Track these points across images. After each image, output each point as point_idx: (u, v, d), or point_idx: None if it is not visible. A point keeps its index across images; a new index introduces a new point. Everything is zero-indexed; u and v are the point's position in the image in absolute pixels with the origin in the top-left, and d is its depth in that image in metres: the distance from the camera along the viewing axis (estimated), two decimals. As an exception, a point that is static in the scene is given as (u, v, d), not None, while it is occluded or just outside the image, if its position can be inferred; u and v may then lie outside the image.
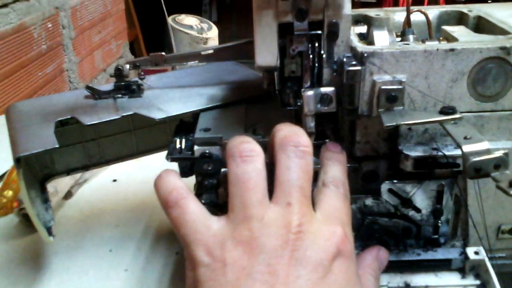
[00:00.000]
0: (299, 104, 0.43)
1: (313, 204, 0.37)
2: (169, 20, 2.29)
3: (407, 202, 0.46)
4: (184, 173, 0.47)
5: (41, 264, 0.60)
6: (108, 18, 1.70)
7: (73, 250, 0.63)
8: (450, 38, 0.46)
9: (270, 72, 0.45)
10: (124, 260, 0.61)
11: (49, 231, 0.51)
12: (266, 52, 0.42)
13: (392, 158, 0.45)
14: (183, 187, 0.39)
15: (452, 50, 0.40)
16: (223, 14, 3.64)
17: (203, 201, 0.42)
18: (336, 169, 0.40)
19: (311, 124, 0.43)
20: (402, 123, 0.39)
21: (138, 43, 2.65)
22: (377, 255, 0.42)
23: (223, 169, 0.43)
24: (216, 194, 0.42)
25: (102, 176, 0.80)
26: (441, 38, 0.47)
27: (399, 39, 0.48)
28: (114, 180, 0.79)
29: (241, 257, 0.33)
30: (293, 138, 0.37)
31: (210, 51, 0.57)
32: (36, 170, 0.59)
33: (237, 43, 0.56)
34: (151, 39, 2.64)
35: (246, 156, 0.37)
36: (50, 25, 1.23)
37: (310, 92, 0.42)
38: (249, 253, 0.33)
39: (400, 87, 0.40)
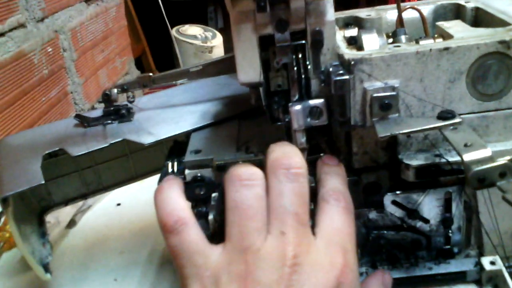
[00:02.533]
0: (287, 119, 0.40)
1: (313, 224, 0.35)
2: (173, 31, 2.28)
3: (414, 213, 0.43)
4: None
5: (45, 298, 0.59)
6: (110, 36, 1.70)
7: (78, 281, 0.61)
8: (445, 35, 0.43)
9: (255, 87, 0.43)
10: (129, 289, 0.59)
11: (46, 268, 0.50)
12: (248, 68, 0.40)
13: (393, 168, 0.42)
14: (184, 209, 0.36)
15: (446, 49, 0.38)
16: (229, 21, 3.62)
17: None
18: (335, 181, 0.38)
19: (302, 139, 0.40)
20: (397, 132, 0.36)
21: (146, 57, 2.66)
22: (382, 281, 0.39)
23: (213, 194, 0.41)
24: (207, 223, 0.40)
25: (106, 201, 0.78)
26: (436, 36, 0.44)
27: (391, 40, 0.45)
28: (118, 204, 0.78)
29: None
30: (284, 161, 0.35)
31: (199, 67, 0.55)
32: (33, 204, 0.58)
33: (225, 57, 0.54)
34: (158, 52, 2.64)
35: (246, 180, 0.35)
36: (50, 49, 1.23)
37: (298, 107, 0.39)
38: None
39: (393, 93, 0.38)
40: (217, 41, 2.25)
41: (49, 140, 0.53)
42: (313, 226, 0.35)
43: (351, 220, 0.36)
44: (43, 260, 0.50)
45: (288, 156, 0.35)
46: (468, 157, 0.32)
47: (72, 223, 0.72)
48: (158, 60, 2.52)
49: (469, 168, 0.31)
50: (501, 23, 0.42)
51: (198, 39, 2.21)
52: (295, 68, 0.40)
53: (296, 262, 0.31)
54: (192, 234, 0.35)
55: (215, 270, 0.32)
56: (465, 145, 0.33)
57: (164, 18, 2.33)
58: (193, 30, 2.28)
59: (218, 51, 2.24)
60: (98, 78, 1.56)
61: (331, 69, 0.38)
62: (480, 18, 0.47)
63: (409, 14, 0.50)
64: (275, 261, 0.31)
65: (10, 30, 1.05)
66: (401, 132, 0.36)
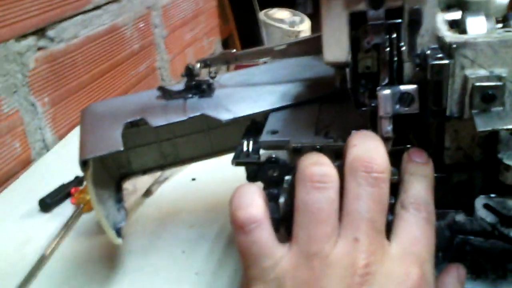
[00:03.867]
0: (373, 104, 0.37)
1: (389, 232, 0.32)
2: (261, 14, 2.28)
3: (508, 220, 0.38)
4: (251, 178, 0.44)
5: (116, 262, 0.61)
6: (200, 16, 1.73)
7: (147, 249, 0.63)
8: None
9: (342, 68, 0.40)
10: (195, 263, 0.60)
11: (118, 232, 0.51)
12: (335, 46, 0.37)
13: (489, 168, 0.38)
14: (259, 206, 0.34)
15: None
16: (318, 6, 3.56)
17: None
18: (419, 186, 0.34)
19: (388, 128, 0.37)
20: (500, 128, 0.32)
21: (233, 39, 2.68)
22: (458, 276, 0.35)
23: (286, 177, 0.39)
24: (278, 206, 0.38)
25: (182, 175, 0.79)
26: (555, 22, 0.38)
27: (500, 25, 0.40)
28: (193, 179, 0.79)
29: None
30: (365, 162, 0.32)
31: (283, 47, 0.53)
32: (113, 170, 0.60)
33: (311, 36, 0.51)
34: (245, 34, 2.65)
35: (318, 181, 0.32)
36: (142, 25, 1.27)
37: (387, 91, 0.36)
38: None
39: (499, 83, 0.33)
40: (305, 26, 2.21)
41: (131, 110, 0.54)
42: (387, 234, 0.32)
43: (431, 231, 0.33)
44: (117, 225, 0.51)
45: (370, 156, 0.33)
46: None
47: (148, 193, 0.74)
48: (245, 43, 2.54)
49: None
50: None
51: (285, 23, 2.18)
52: (387, 49, 0.36)
53: (368, 272, 0.29)
54: (264, 235, 0.33)
55: (280, 273, 0.31)
56: None
57: (253, 0, 2.33)
58: (281, 13, 2.26)
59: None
60: (185, 56, 1.60)
61: (428, 52, 0.35)
62: None
63: (523, -2, 0.44)
64: (345, 269, 0.29)
65: (106, 3, 1.09)
66: (505, 128, 0.32)
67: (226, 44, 2.37)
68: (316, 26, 2.58)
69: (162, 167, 0.64)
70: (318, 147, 0.42)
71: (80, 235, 0.67)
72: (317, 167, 0.33)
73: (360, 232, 0.30)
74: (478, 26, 0.37)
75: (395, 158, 0.37)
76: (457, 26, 0.42)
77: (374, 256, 0.30)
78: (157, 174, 0.76)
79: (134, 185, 0.72)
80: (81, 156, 0.44)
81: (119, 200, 0.56)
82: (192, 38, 1.65)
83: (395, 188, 0.35)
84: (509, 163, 0.35)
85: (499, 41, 0.33)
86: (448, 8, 0.46)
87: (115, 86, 1.15)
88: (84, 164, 0.44)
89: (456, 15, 0.44)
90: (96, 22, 1.05)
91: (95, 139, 0.48)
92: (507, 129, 0.33)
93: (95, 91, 1.08)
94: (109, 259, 0.61)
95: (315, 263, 0.30)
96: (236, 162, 0.45)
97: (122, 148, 0.45)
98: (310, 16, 2.52)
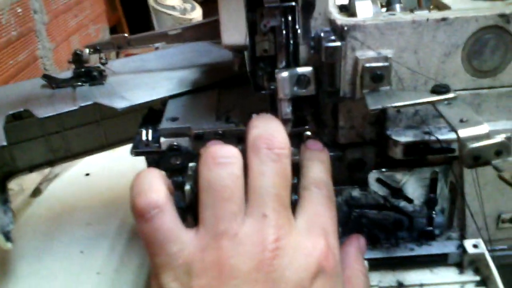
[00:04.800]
0: (272, 87, 0.38)
1: (294, 211, 0.33)
2: (151, 1, 2.21)
3: (398, 192, 0.41)
4: (152, 168, 0.42)
5: (7, 268, 0.56)
6: (84, 1, 1.63)
7: (41, 252, 0.58)
8: (441, 7, 0.40)
9: (240, 52, 0.40)
10: (96, 262, 0.56)
11: (7, 236, 0.47)
12: (233, 29, 0.37)
13: (380, 144, 0.40)
14: (159, 190, 0.32)
15: (444, 19, 0.35)
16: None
17: None
18: (317, 169, 0.36)
19: (287, 109, 0.38)
20: (389, 105, 0.34)
21: (122, 27, 2.57)
22: (359, 246, 0.37)
23: (191, 164, 0.38)
24: (183, 194, 0.37)
25: (74, 170, 0.74)
26: (431, 7, 0.42)
27: (384, 9, 0.43)
28: (87, 174, 0.74)
29: (210, 284, 0.28)
30: (267, 139, 0.32)
31: (178, 31, 0.52)
32: (-6, 169, 0.54)
33: (207, 21, 0.51)
34: (135, 22, 2.55)
35: (221, 157, 0.31)
36: (19, 10, 1.16)
37: (285, 74, 0.37)
38: (219, 279, 0.28)
39: (386, 64, 0.35)
40: (197, 14, 2.19)
41: (13, 100, 0.49)
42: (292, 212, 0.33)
43: (332, 209, 0.34)
44: (4, 228, 0.46)
45: (271, 134, 0.33)
46: (463, 133, 0.30)
47: (37, 192, 0.68)
48: (134, 31, 2.45)
49: (465, 144, 0.30)
50: (499, -3, 0.40)
51: (176, 10, 2.14)
52: (284, 32, 0.37)
53: (277, 246, 0.29)
54: (166, 220, 0.31)
55: (188, 258, 0.30)
56: (461, 121, 0.31)
57: (141, -13, 2.25)
58: (171, 0, 2.21)
59: (197, 24, 2.18)
60: (70, 44, 1.49)
61: (322, 35, 0.36)
62: (475, -7, 0.45)
63: (402, -15, 0.47)
64: (255, 246, 0.29)
65: (-24, -15, 0.98)
66: (393, 105, 0.34)
67: (114, 31, 2.26)
68: (207, 14, 2.56)
69: (51, 162, 0.60)
70: (220, 132, 0.42)
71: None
72: (219, 146, 0.33)
73: (267, 208, 0.30)
74: (365, 9, 0.39)
75: (295, 139, 0.38)
76: (346, 10, 0.44)
77: (283, 230, 0.30)
78: (46, 171, 0.71)
79: (20, 185, 0.66)
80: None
81: (5, 201, 0.51)
82: (77, 25, 1.55)
83: (297, 170, 0.36)
84: (397, 139, 0.38)
85: (385, 24, 0.35)
86: (337, -7, 0.48)
87: (-8, 77, 1.05)
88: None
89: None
90: (-36, 6, 0.94)
91: (-29, 134, 0.42)
92: (395, 107, 0.35)
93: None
94: (-3, 266, 0.56)
95: (223, 243, 0.29)
96: (136, 152, 0.43)
97: (5, 143, 0.41)
98: (201, 4, 2.50)
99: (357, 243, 0.37)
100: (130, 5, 2.45)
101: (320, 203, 0.33)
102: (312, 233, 0.31)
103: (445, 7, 0.39)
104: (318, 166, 0.36)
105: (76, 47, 1.54)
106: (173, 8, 2.16)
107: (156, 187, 0.32)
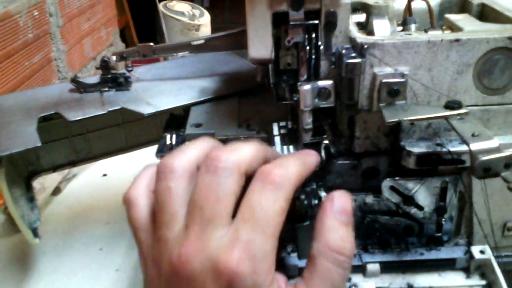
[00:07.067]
0: (295, 98, 0.40)
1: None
2: (160, 6, 2.24)
3: (409, 199, 0.44)
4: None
5: (28, 265, 0.58)
6: (97, 5, 1.66)
7: (61, 249, 0.61)
8: (454, 28, 0.43)
9: (264, 64, 0.42)
10: (115, 260, 0.59)
11: (35, 232, 0.49)
12: (260, 44, 0.40)
13: (393, 154, 0.43)
14: (137, 188, 0.34)
15: (457, 40, 0.38)
16: (215, 0, 3.58)
17: None
18: (281, 161, 0.33)
19: (309, 120, 0.40)
20: (405, 118, 0.37)
21: (129, 30, 2.60)
22: (333, 199, 0.32)
23: None
24: None
25: (92, 171, 0.77)
26: (444, 27, 0.44)
27: (400, 28, 0.45)
28: (104, 175, 0.77)
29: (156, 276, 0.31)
30: (212, 153, 0.32)
31: (201, 41, 0.54)
32: (21, 168, 0.57)
33: (229, 32, 0.53)
34: (142, 26, 2.58)
35: (161, 172, 0.33)
36: (36, 13, 1.19)
37: (307, 86, 0.39)
38: (159, 277, 0.31)
39: (402, 80, 0.38)
40: (205, 20, 2.22)
41: (43, 104, 0.52)
42: None
43: (279, 196, 0.30)
44: (32, 225, 0.49)
45: (220, 150, 0.32)
46: (475, 146, 0.33)
47: (57, 191, 0.71)
48: (142, 35, 2.47)
49: (476, 157, 0.32)
50: (508, 20, 0.43)
51: (185, 16, 2.17)
52: (307, 48, 0.40)
53: (182, 261, 0.29)
54: (135, 213, 0.34)
55: (147, 250, 0.33)
56: (473, 135, 0.33)
57: (151, -8, 2.28)
58: (180, 6, 2.24)
59: (205, 30, 2.21)
60: (83, 47, 1.52)
61: (343, 52, 0.39)
62: (485, 14, 0.48)
63: (415, 5, 0.50)
64: (168, 255, 0.30)
65: (-3, -11, 1.01)
66: (409, 118, 0.36)
67: (122, 35, 2.29)
68: (215, 19, 2.59)
69: (73, 163, 0.62)
70: (242, 138, 0.44)
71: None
72: (166, 158, 0.33)
73: (191, 219, 0.30)
74: (383, 28, 0.41)
75: (313, 148, 0.40)
76: (363, 27, 0.47)
77: (190, 247, 0.29)
78: (65, 171, 0.73)
79: (42, 184, 0.68)
80: (-6, 153, 0.42)
81: (31, 199, 0.53)
82: (89, 28, 1.58)
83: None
84: (410, 150, 0.40)
85: (402, 43, 0.38)
86: (354, 11, 0.50)
87: (8, 78, 1.07)
88: (-2, 161, 0.42)
89: (361, 17, 0.49)
90: (-14, 9, 0.97)
91: (7, 135, 0.45)
92: (411, 120, 0.38)
93: (-14, 83, 0.99)
94: (21, 262, 0.58)
95: (159, 246, 0.31)
96: (161, 156, 0.46)
97: (40, 144, 0.43)
98: (208, 10, 2.53)
99: (331, 198, 0.33)
100: (138, 9, 2.48)
101: (260, 194, 0.31)
102: (232, 246, 0.29)
103: (457, 28, 0.42)
104: (286, 159, 0.33)
105: (88, 50, 1.57)
106: (182, 13, 2.19)
107: (136, 185, 0.35)
